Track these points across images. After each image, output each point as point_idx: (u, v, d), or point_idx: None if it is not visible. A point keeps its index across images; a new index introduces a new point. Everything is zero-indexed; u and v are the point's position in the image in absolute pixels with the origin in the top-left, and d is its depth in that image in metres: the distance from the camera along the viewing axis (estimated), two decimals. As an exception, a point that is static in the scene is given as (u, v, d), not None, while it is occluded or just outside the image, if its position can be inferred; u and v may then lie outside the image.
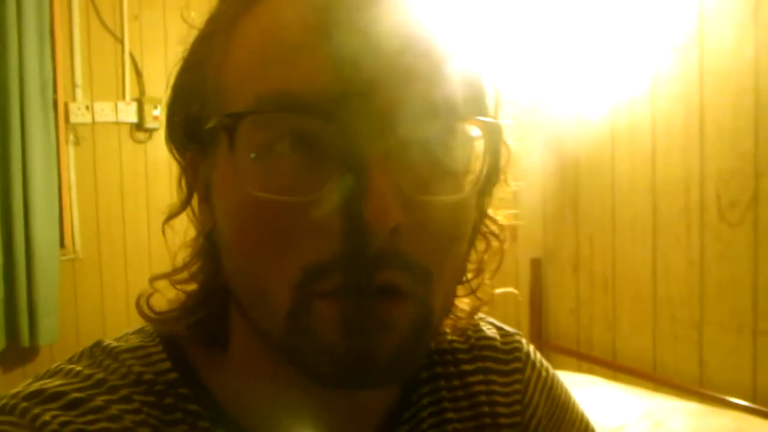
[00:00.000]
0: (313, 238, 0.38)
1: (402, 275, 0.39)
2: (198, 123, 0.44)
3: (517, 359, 0.59)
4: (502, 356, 0.58)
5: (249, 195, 0.39)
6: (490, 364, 0.57)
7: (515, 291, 0.64)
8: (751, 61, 1.69)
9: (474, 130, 0.43)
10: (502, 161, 0.48)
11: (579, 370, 2.13)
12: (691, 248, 1.87)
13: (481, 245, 0.52)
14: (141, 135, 2.68)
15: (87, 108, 2.55)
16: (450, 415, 0.54)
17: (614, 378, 2.03)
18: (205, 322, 0.50)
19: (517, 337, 0.61)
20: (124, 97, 2.62)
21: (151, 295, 0.50)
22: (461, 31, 0.44)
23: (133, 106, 2.62)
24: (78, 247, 2.60)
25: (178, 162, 0.49)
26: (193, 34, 0.47)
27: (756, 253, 1.72)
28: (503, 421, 0.56)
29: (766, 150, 1.68)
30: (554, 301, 2.32)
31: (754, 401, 1.72)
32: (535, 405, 0.58)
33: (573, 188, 2.21)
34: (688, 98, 1.86)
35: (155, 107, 2.63)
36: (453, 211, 0.42)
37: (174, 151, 0.49)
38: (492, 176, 0.46)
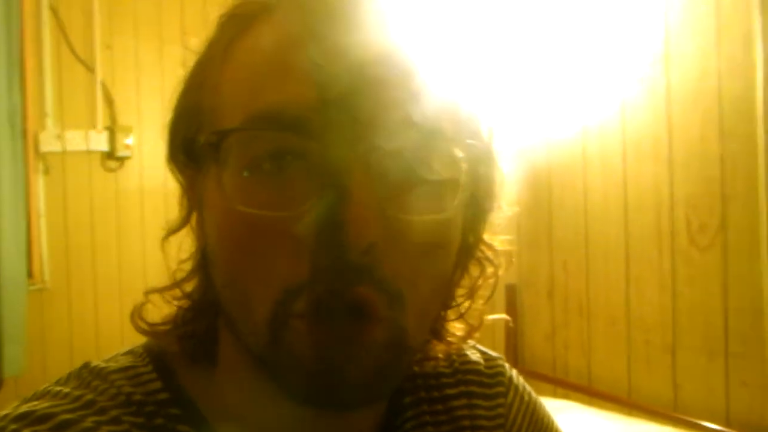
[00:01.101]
0: (293, 254, 0.39)
1: (375, 293, 0.39)
2: (195, 142, 0.45)
3: (501, 383, 0.59)
4: (486, 380, 0.59)
5: (233, 210, 0.40)
6: (474, 388, 0.58)
7: (507, 317, 0.65)
8: (715, 89, 1.74)
9: (461, 153, 0.43)
10: (495, 187, 0.49)
11: (555, 395, 2.13)
12: (663, 273, 1.89)
13: (475, 270, 0.52)
14: (112, 163, 2.64)
15: (57, 137, 2.52)
16: None
17: (590, 403, 2.04)
18: (195, 337, 0.50)
19: (500, 362, 0.61)
20: (95, 126, 2.59)
21: (143, 305, 0.51)
22: (444, 54, 0.45)
23: (105, 134, 2.60)
24: (46, 276, 2.54)
25: (179, 181, 0.50)
26: (193, 58, 0.48)
27: (725, 276, 1.75)
28: None
29: (733, 175, 1.72)
30: (530, 326, 2.32)
31: (727, 425, 1.73)
32: (518, 428, 0.59)
33: (546, 214, 2.24)
34: (656, 126, 1.89)
35: (127, 136, 2.61)
36: (433, 231, 0.42)
37: (175, 170, 0.49)
38: (486, 201, 0.47)
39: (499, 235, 0.53)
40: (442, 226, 0.43)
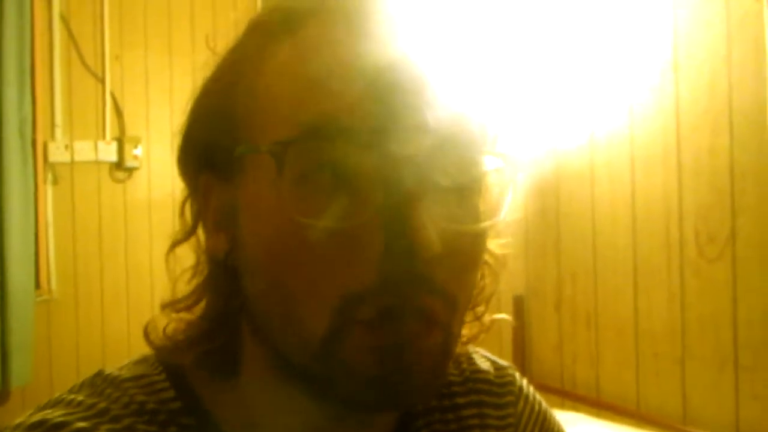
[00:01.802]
0: (353, 264, 0.39)
1: (436, 301, 0.40)
2: (220, 148, 0.45)
3: (511, 392, 0.60)
4: (496, 389, 0.59)
5: (291, 220, 0.39)
6: (484, 397, 0.58)
7: (508, 317, 0.66)
8: (726, 99, 1.73)
9: (492, 163, 0.44)
10: (503, 193, 0.49)
11: (563, 407, 2.11)
12: (671, 284, 1.88)
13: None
14: (121, 174, 2.66)
15: (66, 147, 2.54)
16: None
17: (598, 415, 2.02)
18: (213, 350, 0.49)
19: (511, 371, 0.62)
20: (104, 137, 2.61)
21: (153, 321, 0.50)
22: (475, 61, 0.46)
23: (114, 145, 2.61)
24: (54, 287, 2.55)
25: (188, 186, 0.49)
26: (214, 61, 0.47)
27: (735, 288, 1.73)
28: None
29: (742, 187, 1.71)
30: (537, 338, 2.31)
31: (737, 438, 1.71)
32: None
33: (554, 225, 2.23)
34: (665, 137, 1.89)
35: (135, 146, 2.62)
36: (475, 240, 0.44)
37: (186, 175, 0.49)
38: (496, 208, 0.48)
39: (497, 240, 0.53)
40: (481, 237, 0.44)
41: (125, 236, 2.67)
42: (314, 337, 0.40)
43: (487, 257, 0.53)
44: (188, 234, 0.50)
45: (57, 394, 0.47)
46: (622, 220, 2.01)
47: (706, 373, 1.80)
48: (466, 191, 0.42)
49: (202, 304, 0.50)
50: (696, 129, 1.81)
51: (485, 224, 0.43)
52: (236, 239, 0.45)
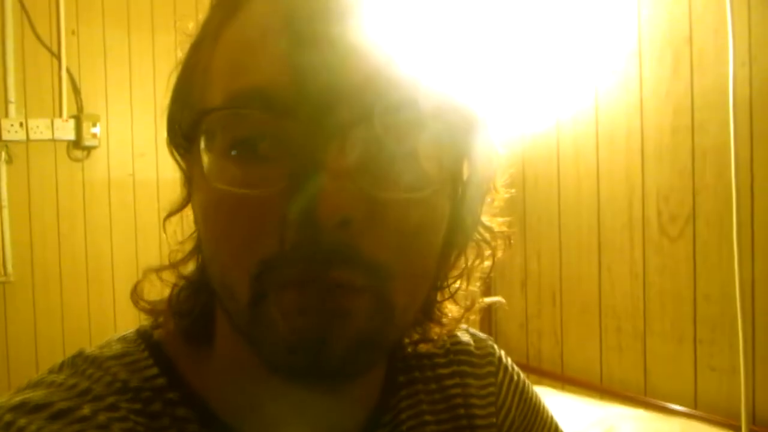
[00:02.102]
0: (270, 230, 0.39)
1: (356, 273, 0.39)
2: (183, 124, 0.46)
3: (491, 363, 0.62)
4: (477, 360, 0.61)
5: (214, 188, 0.41)
6: (465, 368, 0.60)
7: (503, 300, 0.67)
8: (688, 83, 1.79)
9: (453, 133, 0.43)
10: (490, 168, 0.49)
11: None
12: (634, 262, 1.95)
13: (472, 253, 0.53)
14: (78, 153, 2.58)
15: (21, 125, 2.44)
16: (428, 417, 0.56)
17: (563, 389, 2.08)
18: (192, 316, 0.50)
19: (490, 342, 0.64)
20: (61, 114, 2.52)
21: (140, 283, 0.51)
22: (420, 35, 0.44)
23: (71, 123, 2.53)
24: (10, 270, 2.47)
25: (180, 166, 0.50)
26: (188, 41, 0.48)
27: (694, 265, 1.80)
28: (479, 422, 0.58)
29: (702, 168, 1.77)
30: (504, 316, 2.36)
31: (695, 408, 1.79)
32: (508, 407, 0.61)
33: (521, 205, 2.27)
34: (629, 119, 1.94)
35: (94, 124, 2.54)
36: (418, 209, 0.42)
37: (175, 154, 0.50)
38: (481, 183, 0.48)
39: (498, 217, 0.53)
40: (422, 205, 0.42)
41: (84, 217, 2.59)
42: (241, 303, 0.41)
43: (483, 235, 0.54)
44: (180, 206, 0.51)
45: (36, 376, 0.47)
46: (587, 200, 2.06)
47: (666, 346, 1.88)
48: (403, 158, 0.40)
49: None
50: (659, 112, 1.86)
51: (422, 193, 0.41)
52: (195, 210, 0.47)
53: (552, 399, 1.93)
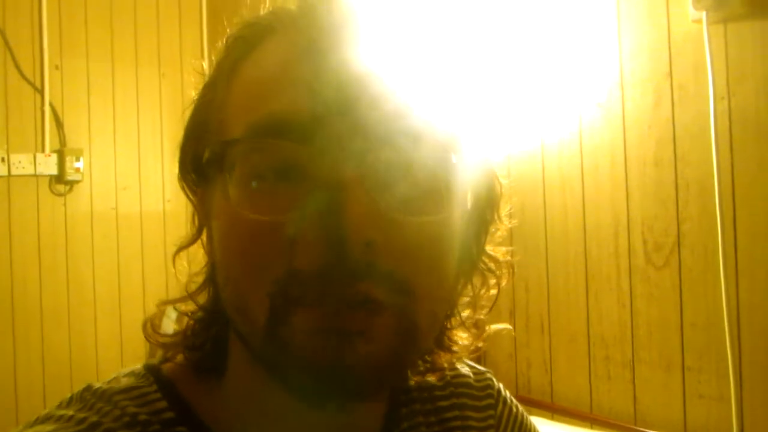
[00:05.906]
0: (289, 252, 0.40)
1: (379, 288, 0.40)
2: (202, 158, 0.47)
3: (490, 395, 0.63)
4: (476, 393, 0.62)
5: (235, 215, 0.42)
6: (465, 401, 0.61)
7: (510, 327, 0.68)
8: (669, 116, 1.83)
9: (461, 163, 0.45)
10: (495, 198, 0.51)
11: (518, 413, 2.16)
12: (621, 291, 1.97)
13: (478, 281, 0.54)
14: (61, 187, 2.56)
15: (2, 160, 2.42)
16: None
17: (552, 419, 2.09)
18: (205, 348, 0.51)
19: (489, 375, 0.65)
20: (43, 149, 2.50)
21: (154, 317, 0.53)
22: (434, 67, 0.47)
23: (54, 157, 2.51)
24: (-10, 307, 2.42)
25: (191, 200, 0.51)
26: (203, 81, 0.51)
27: (680, 293, 1.83)
28: None
29: (686, 198, 1.81)
30: (492, 345, 2.36)
31: (685, 435, 1.80)
32: None
33: (508, 234, 2.28)
34: (612, 150, 1.98)
35: (77, 158, 2.53)
36: (432, 232, 0.43)
37: (186, 189, 0.51)
38: (486, 212, 0.49)
39: (501, 247, 0.54)
40: (438, 227, 0.44)
41: (65, 251, 2.56)
42: (258, 323, 0.41)
43: (488, 264, 0.55)
44: (192, 240, 0.52)
45: (45, 410, 0.47)
46: (573, 230, 2.09)
47: (654, 374, 1.90)
48: (420, 182, 0.42)
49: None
50: (642, 144, 1.90)
51: (438, 216, 0.43)
52: (212, 241, 0.48)
53: (543, 428, 1.93)
